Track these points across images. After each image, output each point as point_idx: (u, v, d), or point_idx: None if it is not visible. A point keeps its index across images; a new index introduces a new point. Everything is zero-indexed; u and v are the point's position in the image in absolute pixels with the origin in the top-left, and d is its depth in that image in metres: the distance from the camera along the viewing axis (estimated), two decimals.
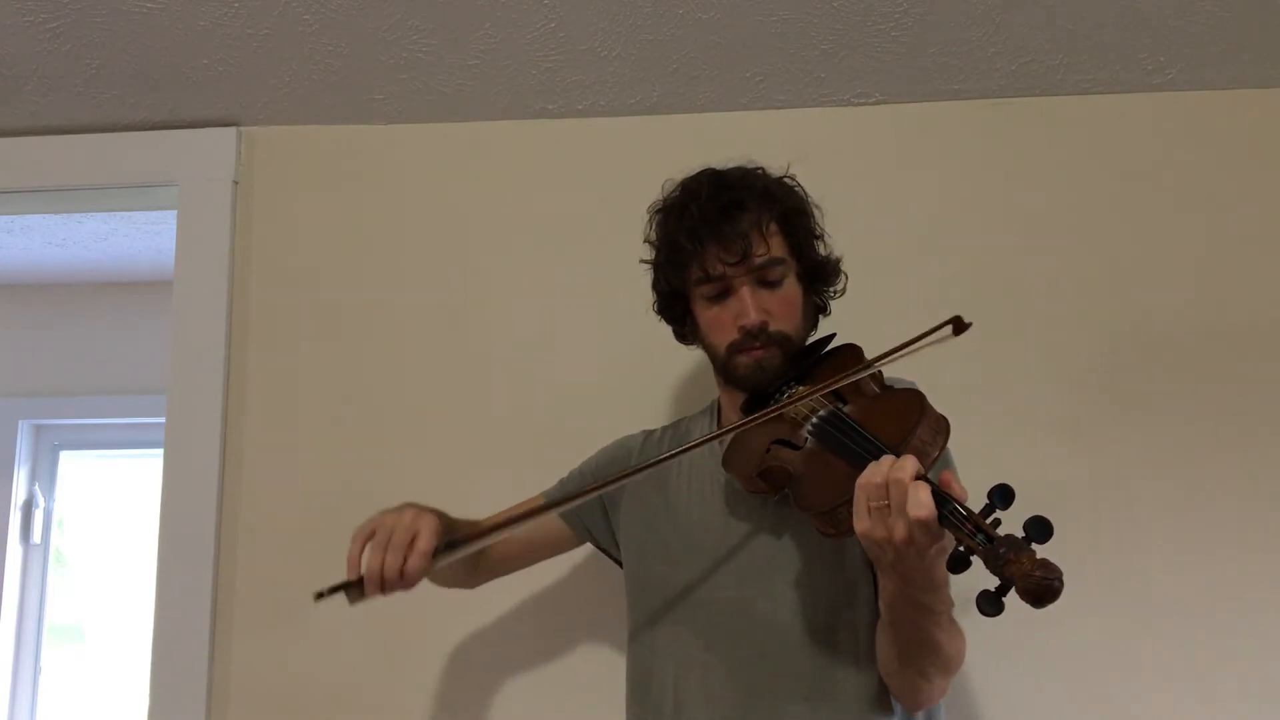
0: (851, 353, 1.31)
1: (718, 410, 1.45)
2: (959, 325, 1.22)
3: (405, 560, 1.15)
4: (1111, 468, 1.68)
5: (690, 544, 1.33)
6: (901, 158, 1.82)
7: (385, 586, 1.15)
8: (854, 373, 1.23)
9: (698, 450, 1.40)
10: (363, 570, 1.16)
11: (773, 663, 1.25)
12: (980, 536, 0.97)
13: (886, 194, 1.80)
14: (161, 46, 1.75)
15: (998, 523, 0.98)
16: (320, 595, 1.12)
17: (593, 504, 1.46)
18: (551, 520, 1.46)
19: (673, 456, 1.23)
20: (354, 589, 1.14)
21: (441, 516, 1.25)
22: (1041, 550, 0.93)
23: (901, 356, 1.20)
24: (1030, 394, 1.72)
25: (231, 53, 1.76)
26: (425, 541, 1.16)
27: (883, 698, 1.24)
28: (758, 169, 1.36)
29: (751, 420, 1.22)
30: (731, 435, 1.35)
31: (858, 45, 1.73)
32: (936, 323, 1.19)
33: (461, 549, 1.17)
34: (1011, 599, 0.94)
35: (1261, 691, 1.60)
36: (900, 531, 1.01)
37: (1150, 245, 1.76)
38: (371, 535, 1.18)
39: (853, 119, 1.83)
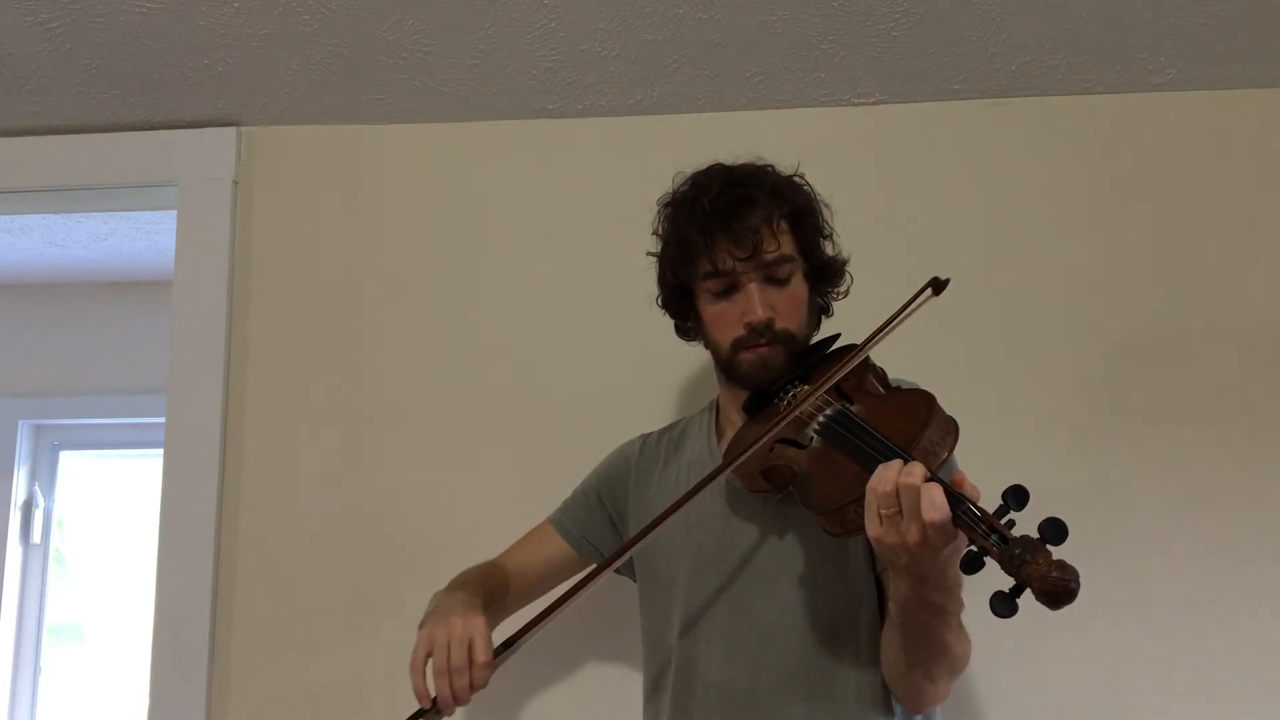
0: (856, 354, 1.31)
1: (717, 409, 1.45)
2: (938, 285, 1.24)
3: (470, 676, 1.17)
4: (1111, 469, 1.68)
5: (691, 545, 1.33)
6: (901, 158, 1.82)
7: (460, 703, 1.18)
8: (851, 358, 1.23)
9: (699, 451, 1.41)
10: (433, 694, 1.18)
11: (773, 663, 1.25)
12: (995, 537, 0.96)
13: (886, 194, 1.80)
14: (161, 46, 1.75)
15: (1012, 524, 0.97)
16: None
17: (600, 524, 1.47)
18: (562, 549, 1.46)
19: (694, 493, 1.20)
20: (430, 714, 1.18)
21: (482, 606, 1.27)
22: (1055, 552, 0.93)
23: (890, 331, 1.22)
24: (1030, 395, 1.72)
25: (231, 53, 1.76)
26: (483, 652, 1.17)
27: (884, 699, 1.24)
28: (767, 166, 1.36)
29: (766, 437, 1.20)
30: (732, 435, 1.35)
31: (858, 45, 1.73)
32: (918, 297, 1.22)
33: (516, 645, 1.19)
34: (1025, 600, 0.93)
35: (1260, 692, 1.60)
36: (913, 535, 1.00)
37: (1150, 246, 1.76)
38: (428, 657, 1.19)
39: (853, 119, 1.83)
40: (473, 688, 1.17)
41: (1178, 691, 1.61)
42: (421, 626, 1.26)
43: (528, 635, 1.19)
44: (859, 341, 1.30)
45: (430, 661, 1.19)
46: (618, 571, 1.44)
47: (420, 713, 1.17)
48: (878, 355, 1.28)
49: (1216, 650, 1.61)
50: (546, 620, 1.18)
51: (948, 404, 1.17)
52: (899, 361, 1.33)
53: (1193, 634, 1.62)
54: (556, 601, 1.19)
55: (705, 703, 1.27)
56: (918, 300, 1.23)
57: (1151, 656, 1.62)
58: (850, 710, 1.23)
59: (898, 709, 1.24)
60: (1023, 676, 1.61)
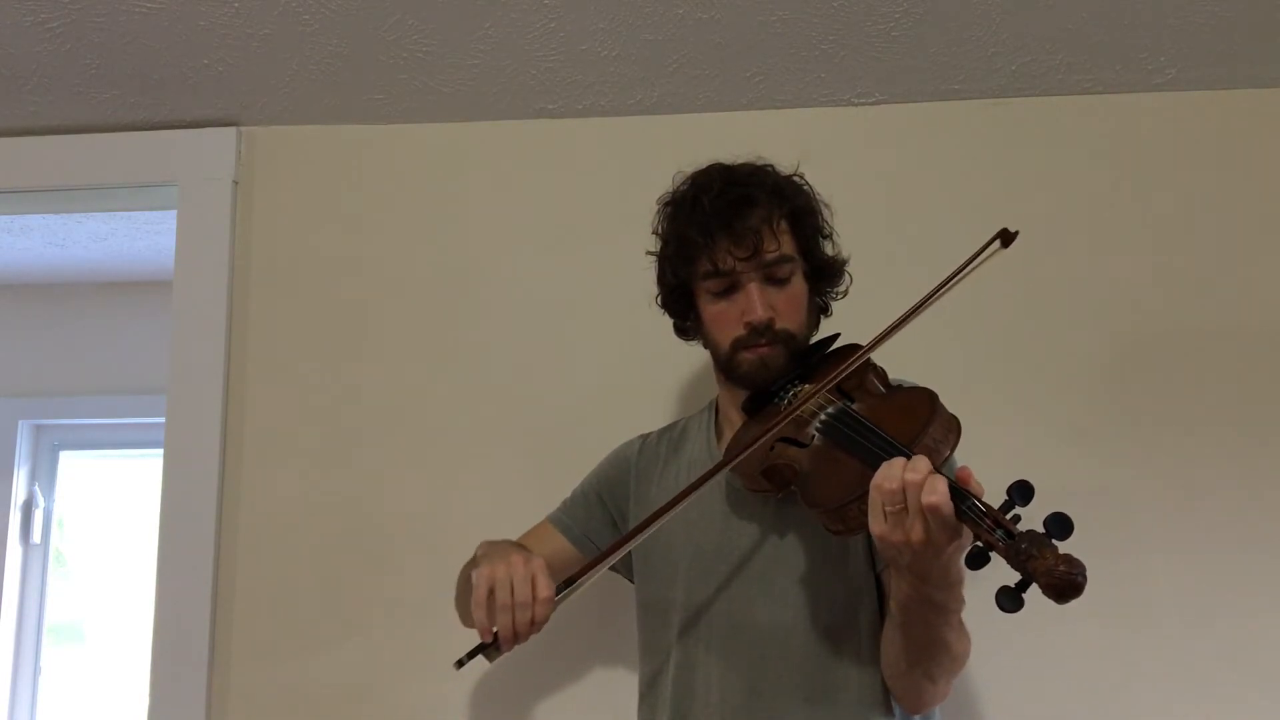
0: (855, 353, 1.31)
1: (716, 409, 1.45)
2: (1006, 237, 1.21)
3: (533, 611, 1.17)
4: (1111, 469, 1.68)
5: (691, 544, 1.33)
6: (901, 158, 1.82)
7: (520, 640, 1.18)
8: (912, 312, 1.21)
9: (698, 451, 1.41)
10: (495, 629, 1.17)
11: (773, 663, 1.25)
12: (1001, 532, 0.96)
13: (886, 194, 1.80)
14: (161, 46, 1.75)
15: (1018, 519, 0.97)
16: (460, 662, 1.16)
17: (600, 523, 1.47)
18: (564, 546, 1.46)
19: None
20: (490, 649, 1.17)
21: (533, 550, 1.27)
22: (1060, 547, 0.92)
23: (957, 282, 1.20)
24: (1030, 395, 1.72)
25: (231, 53, 1.76)
26: (546, 588, 1.17)
27: (884, 699, 1.23)
28: (767, 166, 1.36)
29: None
30: (732, 434, 1.35)
31: (858, 45, 1.73)
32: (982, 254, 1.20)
33: (578, 584, 1.19)
34: (1029, 595, 0.93)
35: (1260, 692, 1.60)
36: (917, 532, 1.00)
37: (1150, 245, 1.76)
38: (490, 593, 1.18)
39: (853, 119, 1.83)
40: (534, 623, 1.16)
41: (1178, 691, 1.61)
42: (476, 567, 1.24)
43: (590, 574, 1.19)
44: (856, 342, 1.29)
45: (491, 598, 1.18)
46: (613, 570, 1.45)
47: (481, 646, 1.17)
48: (877, 355, 1.28)
49: (1216, 650, 1.61)
50: (607, 560, 1.19)
51: (948, 404, 1.17)
52: (899, 361, 1.33)
53: (1193, 634, 1.62)
54: (618, 542, 1.21)
55: (705, 702, 1.27)
56: (985, 253, 1.20)
57: (1151, 656, 1.62)
58: (850, 710, 1.23)
59: (897, 709, 1.24)
60: (1023, 676, 1.61)
